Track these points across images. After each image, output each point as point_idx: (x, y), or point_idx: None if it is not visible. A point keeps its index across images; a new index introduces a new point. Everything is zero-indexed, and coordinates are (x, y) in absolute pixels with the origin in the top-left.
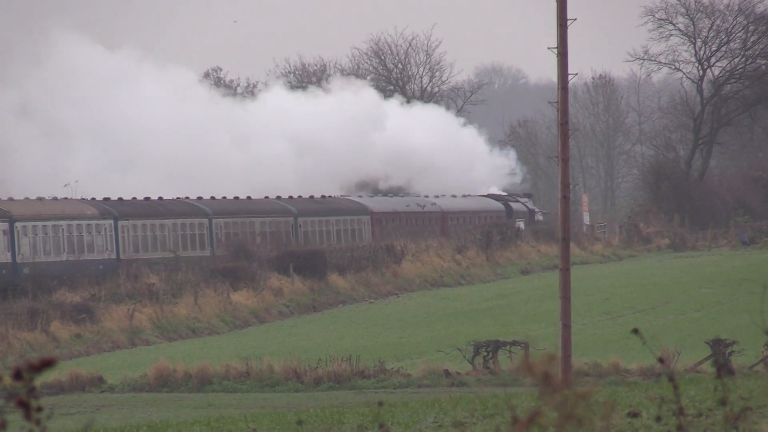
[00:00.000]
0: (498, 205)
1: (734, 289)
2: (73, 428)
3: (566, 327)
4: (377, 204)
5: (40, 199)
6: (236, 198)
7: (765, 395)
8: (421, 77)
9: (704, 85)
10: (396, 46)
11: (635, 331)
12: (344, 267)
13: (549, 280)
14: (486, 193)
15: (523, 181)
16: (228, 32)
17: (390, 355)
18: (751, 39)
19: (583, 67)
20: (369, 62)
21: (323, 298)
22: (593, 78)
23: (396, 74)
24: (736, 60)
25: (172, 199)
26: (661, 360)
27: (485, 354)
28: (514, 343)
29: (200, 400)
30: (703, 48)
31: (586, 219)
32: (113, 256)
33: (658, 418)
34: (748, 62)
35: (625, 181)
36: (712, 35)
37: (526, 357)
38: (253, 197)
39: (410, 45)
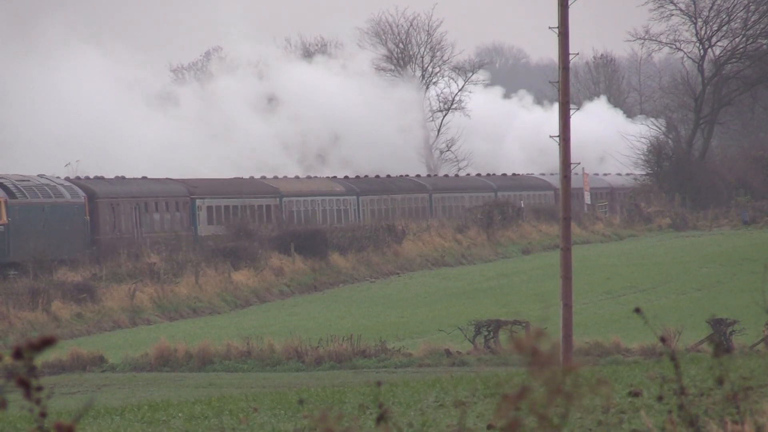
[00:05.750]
0: None
1: (735, 268)
2: (74, 407)
3: (567, 306)
4: (557, 180)
5: (297, 177)
6: (446, 176)
7: (766, 374)
8: (422, 57)
9: (705, 65)
10: (397, 25)
11: (637, 310)
12: (345, 246)
13: (550, 260)
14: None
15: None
16: (227, 12)
17: (391, 334)
18: (752, 18)
19: (584, 46)
20: (370, 42)
21: (324, 278)
22: (594, 58)
23: (397, 54)
24: (737, 39)
25: (397, 177)
26: (662, 339)
27: (486, 333)
28: (515, 323)
29: (201, 380)
30: (704, 27)
31: (587, 198)
32: None
33: (660, 398)
34: (749, 42)
35: None
36: (712, 15)
37: (527, 334)
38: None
39: (411, 25)
